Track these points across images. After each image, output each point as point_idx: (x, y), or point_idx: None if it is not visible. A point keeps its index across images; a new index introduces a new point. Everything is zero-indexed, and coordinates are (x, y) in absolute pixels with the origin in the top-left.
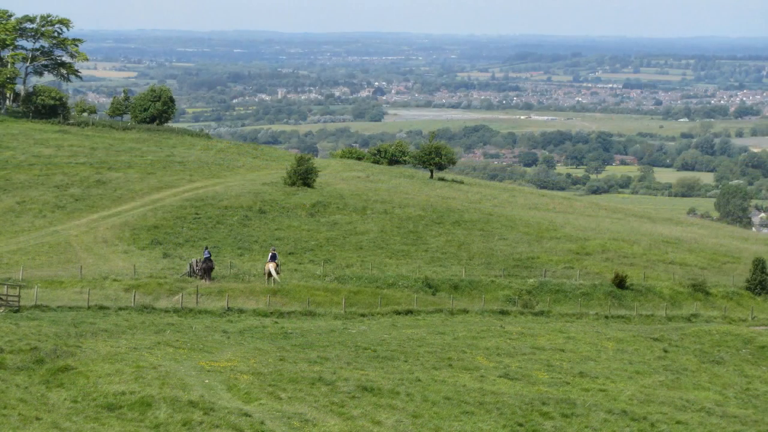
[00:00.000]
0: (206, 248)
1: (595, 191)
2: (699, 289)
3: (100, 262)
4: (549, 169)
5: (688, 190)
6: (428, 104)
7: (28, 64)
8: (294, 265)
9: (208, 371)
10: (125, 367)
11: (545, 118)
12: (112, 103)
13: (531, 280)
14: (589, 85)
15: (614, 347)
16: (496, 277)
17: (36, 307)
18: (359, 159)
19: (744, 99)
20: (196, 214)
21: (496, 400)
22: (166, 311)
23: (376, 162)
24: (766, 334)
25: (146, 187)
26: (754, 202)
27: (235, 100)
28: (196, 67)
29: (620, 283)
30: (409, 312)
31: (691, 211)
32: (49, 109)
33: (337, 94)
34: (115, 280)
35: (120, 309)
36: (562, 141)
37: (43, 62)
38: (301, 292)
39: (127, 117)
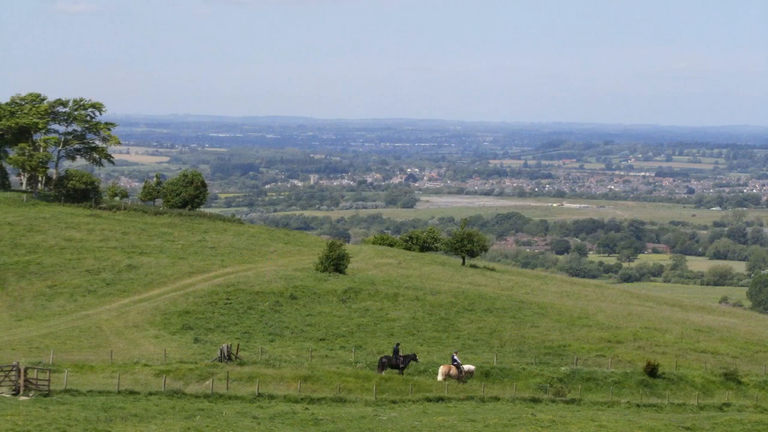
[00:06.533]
0: None
1: (628, 279)
2: (731, 378)
3: (130, 346)
4: (581, 257)
5: (720, 279)
6: (460, 191)
7: (60, 148)
8: (325, 351)
9: None
10: None
11: (577, 205)
12: (144, 188)
13: (563, 368)
14: (622, 173)
15: None
16: (527, 364)
17: (66, 391)
18: (391, 245)
19: None
20: (228, 299)
21: None
22: (197, 396)
23: (408, 248)
24: None
25: (177, 272)
26: None
27: (267, 186)
28: (229, 152)
29: (652, 371)
30: (440, 399)
31: (723, 300)
32: (81, 193)
33: (369, 180)
34: (145, 365)
35: (150, 394)
36: (594, 229)
37: (76, 146)
38: (332, 378)
39: (159, 202)
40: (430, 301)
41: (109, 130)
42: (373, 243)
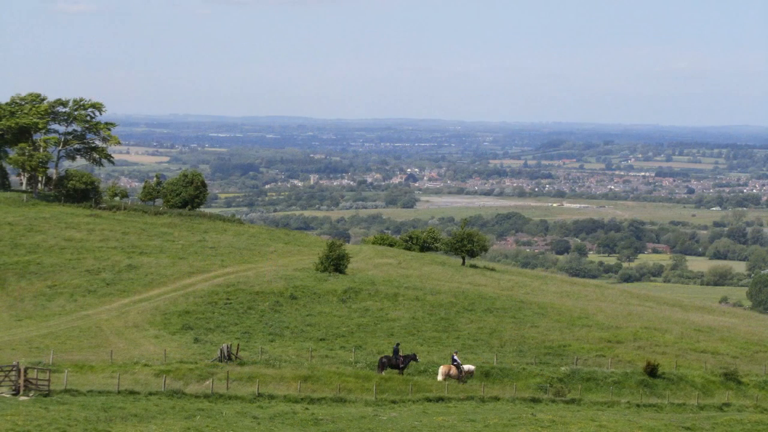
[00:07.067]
0: None
1: (628, 279)
2: (731, 378)
3: (130, 346)
4: (581, 257)
5: (720, 279)
6: (460, 191)
7: (60, 148)
8: (325, 351)
9: None
10: None
11: (577, 205)
12: (144, 188)
13: (563, 368)
14: (622, 173)
15: None
16: (527, 364)
17: (66, 391)
18: (391, 245)
19: None
20: (228, 299)
21: None
22: (197, 396)
23: (408, 248)
24: None
25: (177, 272)
26: None
27: (267, 186)
28: (229, 152)
29: (652, 371)
30: (440, 399)
31: (724, 300)
32: (81, 193)
33: (369, 180)
34: (145, 365)
35: (150, 394)
36: (594, 229)
37: (76, 146)
38: (332, 378)
39: (159, 201)
40: (430, 301)
41: (109, 130)
42: (373, 243)
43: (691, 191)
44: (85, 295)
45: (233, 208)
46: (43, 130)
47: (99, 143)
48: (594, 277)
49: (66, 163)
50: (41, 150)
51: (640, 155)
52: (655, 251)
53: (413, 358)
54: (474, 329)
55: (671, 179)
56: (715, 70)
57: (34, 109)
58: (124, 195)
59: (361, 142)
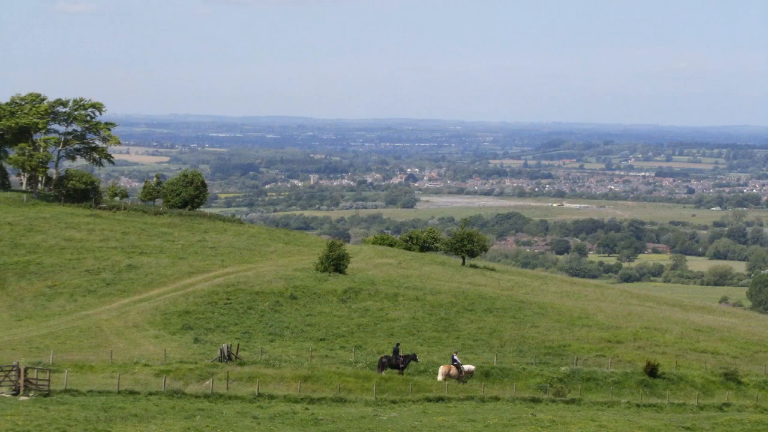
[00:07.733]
0: None
1: (628, 279)
2: (731, 378)
3: (130, 346)
4: (581, 257)
5: (721, 279)
6: (460, 191)
7: (60, 148)
8: (325, 351)
9: None
10: None
11: (577, 205)
12: (144, 188)
13: (563, 368)
14: (622, 173)
15: None
16: (527, 364)
17: (66, 391)
18: (391, 245)
19: None
20: (228, 299)
21: None
22: (197, 396)
23: (408, 248)
24: None
25: (177, 272)
26: None
27: (267, 186)
28: (229, 152)
29: (652, 371)
30: (440, 399)
31: (724, 300)
32: (81, 193)
33: (369, 180)
34: (145, 365)
35: (150, 394)
36: (594, 229)
37: (76, 146)
38: (332, 378)
39: (159, 202)
40: (430, 301)
41: (109, 130)
42: (373, 243)
43: (691, 191)
44: (85, 295)
45: (233, 208)
46: (43, 130)
47: (99, 143)
48: (594, 277)
49: (66, 163)
50: (41, 150)
51: (640, 155)
52: (655, 251)
53: (413, 358)
54: (474, 329)
55: (671, 179)
56: (715, 70)
57: (34, 109)
58: (124, 195)
59: (361, 142)
